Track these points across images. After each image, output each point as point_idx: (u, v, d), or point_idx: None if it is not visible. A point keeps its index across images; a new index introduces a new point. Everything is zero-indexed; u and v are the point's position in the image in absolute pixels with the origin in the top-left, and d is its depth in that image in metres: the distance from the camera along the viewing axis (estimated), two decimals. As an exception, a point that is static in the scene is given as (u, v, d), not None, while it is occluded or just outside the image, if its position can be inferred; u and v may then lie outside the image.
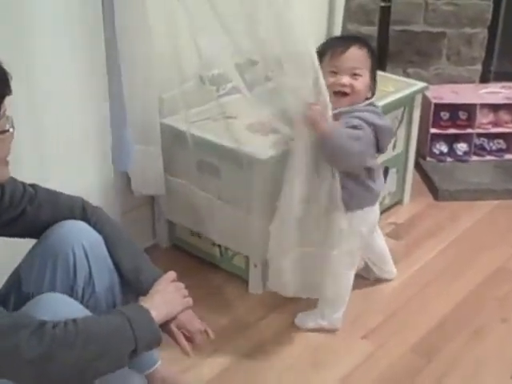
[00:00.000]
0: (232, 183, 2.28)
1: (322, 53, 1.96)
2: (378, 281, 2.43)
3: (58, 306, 1.47)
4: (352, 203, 2.03)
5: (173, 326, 1.60)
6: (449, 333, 2.21)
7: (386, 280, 2.44)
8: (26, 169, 1.83)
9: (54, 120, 2.03)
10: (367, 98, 2.03)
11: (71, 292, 1.59)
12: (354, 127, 1.92)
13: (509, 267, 2.56)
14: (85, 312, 1.50)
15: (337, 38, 2.10)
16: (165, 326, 1.58)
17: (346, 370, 2.06)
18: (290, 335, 2.20)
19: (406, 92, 2.68)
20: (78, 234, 1.62)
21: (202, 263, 2.52)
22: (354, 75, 1.96)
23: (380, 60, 3.04)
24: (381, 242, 2.39)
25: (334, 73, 1.97)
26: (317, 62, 1.87)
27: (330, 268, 2.09)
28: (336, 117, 1.95)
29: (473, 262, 2.58)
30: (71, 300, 1.52)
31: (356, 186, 2.03)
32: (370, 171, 2.04)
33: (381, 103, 2.53)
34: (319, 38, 3.04)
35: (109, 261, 1.64)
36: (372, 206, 2.11)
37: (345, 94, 1.97)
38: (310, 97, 1.91)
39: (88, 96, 2.13)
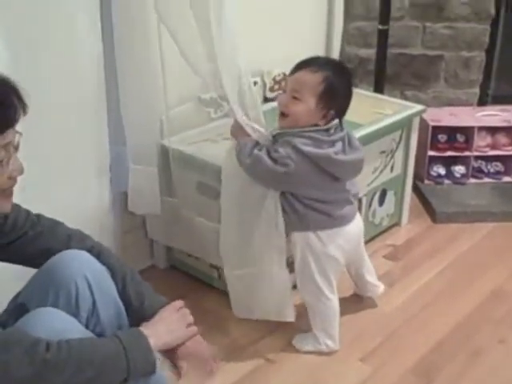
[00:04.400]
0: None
1: None
2: (376, 303, 2.42)
3: (54, 322, 1.46)
4: (307, 223, 2.03)
5: (179, 354, 1.60)
6: (447, 354, 2.20)
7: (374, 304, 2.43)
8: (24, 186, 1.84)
9: (52, 138, 2.04)
10: (314, 125, 1.98)
11: None
12: (275, 150, 1.95)
13: (506, 289, 2.55)
14: (80, 329, 1.49)
15: (309, 59, 2.02)
16: (171, 352, 1.58)
17: (344, 392, 2.05)
18: (288, 357, 2.19)
19: (404, 114, 2.69)
20: (80, 265, 1.60)
21: (200, 284, 2.51)
22: (294, 98, 1.96)
23: (378, 82, 3.07)
24: (366, 264, 2.34)
25: (284, 92, 2.02)
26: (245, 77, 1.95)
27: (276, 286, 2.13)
28: (276, 138, 2.00)
29: (470, 283, 2.58)
30: (68, 316, 1.51)
31: (302, 206, 2.02)
32: (325, 200, 2.02)
33: (378, 126, 2.56)
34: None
35: (113, 291, 1.63)
36: (337, 228, 2.07)
37: (284, 115, 1.99)
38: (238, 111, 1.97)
39: (87, 115, 2.15)
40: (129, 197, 2.38)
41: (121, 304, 1.64)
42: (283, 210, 2.04)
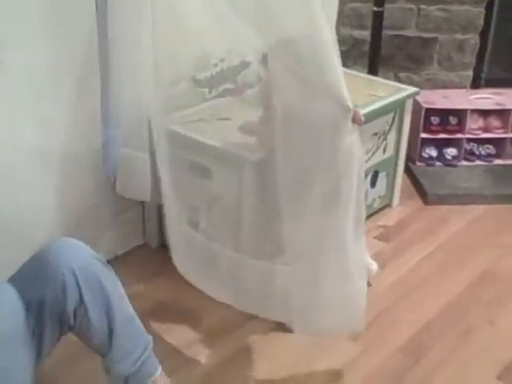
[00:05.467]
0: (223, 184, 2.29)
1: None
2: (369, 282, 2.45)
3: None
4: None
5: None
6: (436, 334, 2.24)
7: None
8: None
9: (46, 119, 2.05)
10: None
11: (62, 313, 1.59)
12: None
13: (496, 270, 2.58)
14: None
15: None
16: None
17: (335, 370, 2.07)
18: (278, 337, 2.21)
19: (397, 97, 2.71)
20: (68, 256, 1.61)
21: None
22: None
23: (372, 64, 3.08)
24: None
25: None
26: None
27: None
28: None
29: (461, 265, 2.61)
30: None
31: None
32: None
33: (372, 107, 2.57)
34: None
35: (101, 283, 1.63)
36: None
37: None
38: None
39: (81, 94, 2.17)
40: (117, 179, 2.38)
41: (112, 301, 1.65)
42: None
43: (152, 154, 2.32)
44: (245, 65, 2.54)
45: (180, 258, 2.27)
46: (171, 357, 2.08)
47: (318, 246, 1.83)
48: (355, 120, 1.70)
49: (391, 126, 2.76)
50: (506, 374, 2.08)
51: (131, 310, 1.74)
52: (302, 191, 1.80)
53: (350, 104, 1.69)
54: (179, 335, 2.20)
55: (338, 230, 1.78)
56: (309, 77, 1.72)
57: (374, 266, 2.43)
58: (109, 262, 2.39)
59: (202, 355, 2.12)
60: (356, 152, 1.72)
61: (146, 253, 2.58)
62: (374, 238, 2.73)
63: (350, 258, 1.82)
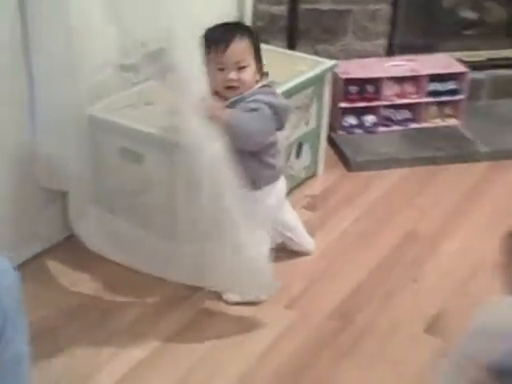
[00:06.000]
0: (156, 169, 2.35)
1: (205, 46, 2.08)
2: (298, 252, 2.57)
3: None
4: (260, 182, 2.17)
5: None
6: (365, 296, 2.38)
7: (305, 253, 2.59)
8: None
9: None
10: (257, 81, 2.14)
11: None
12: (252, 110, 2.05)
13: (417, 231, 2.74)
14: None
15: (216, 30, 2.13)
16: None
17: (272, 338, 2.19)
18: (218, 310, 2.31)
19: (317, 70, 2.82)
20: None
21: None
22: (240, 68, 2.08)
23: (291, 38, 3.17)
24: (292, 216, 2.51)
25: (221, 69, 2.08)
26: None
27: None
28: (232, 105, 2.08)
29: (385, 228, 2.76)
30: None
31: (260, 165, 2.16)
32: (270, 148, 2.17)
33: (293, 82, 2.68)
34: (231, 18, 3.15)
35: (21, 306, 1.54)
36: (277, 181, 2.24)
37: (235, 88, 2.09)
38: (202, 89, 2.03)
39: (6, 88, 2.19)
40: (40, 171, 2.41)
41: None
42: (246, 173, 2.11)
43: (76, 144, 2.39)
44: (164, 49, 2.59)
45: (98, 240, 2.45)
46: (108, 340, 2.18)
47: (218, 224, 2.10)
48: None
49: (312, 98, 2.87)
50: (432, 328, 2.24)
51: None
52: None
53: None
54: (129, 314, 2.28)
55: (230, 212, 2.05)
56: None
57: (312, 245, 2.58)
58: (39, 254, 2.49)
59: (143, 336, 2.20)
60: None
61: (75, 243, 2.56)
62: (302, 207, 2.85)
63: (242, 232, 2.09)
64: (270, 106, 2.07)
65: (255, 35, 2.16)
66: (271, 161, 2.19)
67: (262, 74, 2.17)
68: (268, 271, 2.22)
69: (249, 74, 2.10)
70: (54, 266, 2.48)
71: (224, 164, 2.02)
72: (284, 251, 2.53)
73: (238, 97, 2.10)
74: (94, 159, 2.45)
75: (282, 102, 2.15)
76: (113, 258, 2.47)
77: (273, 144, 2.18)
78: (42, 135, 2.36)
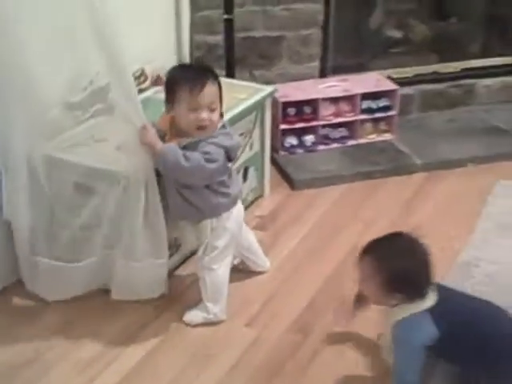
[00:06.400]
0: (109, 202, 2.40)
1: (175, 86, 2.18)
2: (254, 271, 2.68)
3: None
4: (212, 211, 2.31)
5: None
6: (319, 308, 2.50)
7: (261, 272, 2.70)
8: None
9: None
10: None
11: None
12: (206, 153, 2.17)
13: (361, 245, 2.84)
14: None
15: (188, 71, 2.25)
16: None
17: (235, 357, 2.29)
18: (178, 334, 2.40)
19: (258, 97, 2.94)
20: None
21: None
22: (211, 110, 2.19)
23: (229, 67, 3.29)
24: (250, 237, 2.63)
25: (194, 110, 2.17)
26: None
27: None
28: (195, 145, 2.19)
29: (332, 242, 2.90)
30: None
31: (212, 195, 2.28)
32: (224, 181, 2.30)
33: (236, 110, 2.79)
34: (169, 50, 3.28)
35: None
36: (234, 206, 2.36)
37: (205, 127, 2.20)
38: (139, 119, 2.17)
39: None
40: (3, 204, 2.46)
41: None
42: (195, 205, 2.27)
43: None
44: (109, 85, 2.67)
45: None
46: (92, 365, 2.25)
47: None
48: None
49: (255, 124, 3.00)
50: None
51: None
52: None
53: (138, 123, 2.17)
54: (92, 346, 2.35)
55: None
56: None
57: (267, 263, 2.71)
58: (5, 289, 2.53)
59: (109, 366, 2.27)
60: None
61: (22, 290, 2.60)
62: (253, 228, 2.94)
63: (138, 245, 2.35)
64: (226, 149, 2.21)
65: (219, 81, 2.26)
66: (225, 190, 2.30)
67: (222, 116, 2.28)
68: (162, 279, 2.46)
69: (217, 115, 2.21)
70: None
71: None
72: (240, 272, 2.64)
73: (203, 137, 2.20)
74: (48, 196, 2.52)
75: (234, 142, 2.28)
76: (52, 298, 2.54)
77: (224, 179, 2.30)
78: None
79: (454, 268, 2.69)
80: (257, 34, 3.48)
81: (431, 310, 1.97)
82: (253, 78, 3.48)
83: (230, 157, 2.26)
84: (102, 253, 2.43)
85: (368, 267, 2.02)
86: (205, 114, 2.17)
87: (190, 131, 2.20)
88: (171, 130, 2.25)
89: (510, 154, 3.58)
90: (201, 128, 2.19)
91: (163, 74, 3.06)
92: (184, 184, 2.26)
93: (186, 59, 3.34)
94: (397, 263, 1.96)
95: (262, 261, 2.70)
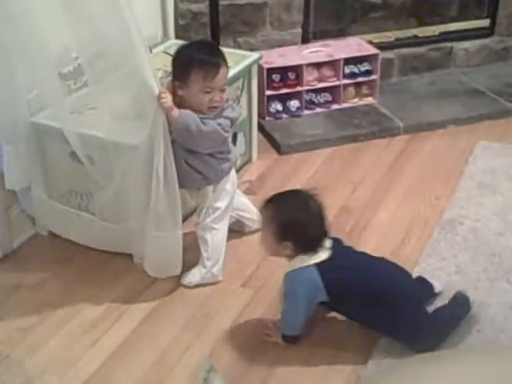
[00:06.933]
0: (105, 170, 2.46)
1: (189, 68, 2.24)
2: (246, 233, 2.76)
3: None
4: (216, 177, 2.40)
5: None
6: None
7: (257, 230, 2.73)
8: None
9: None
10: None
11: None
12: (219, 124, 2.27)
13: (350, 204, 2.98)
14: None
15: (202, 52, 2.29)
16: None
17: (233, 316, 2.37)
18: (178, 296, 2.47)
19: (244, 64, 3.00)
20: None
21: (81, 246, 2.69)
22: (222, 90, 2.27)
23: (213, 34, 3.33)
24: (242, 198, 2.72)
25: (207, 92, 2.24)
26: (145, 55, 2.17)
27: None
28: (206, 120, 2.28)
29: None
30: None
31: (216, 161, 2.37)
32: (229, 150, 2.43)
33: (224, 77, 2.84)
34: (154, 19, 3.30)
35: None
36: (231, 171, 2.47)
37: (216, 108, 2.28)
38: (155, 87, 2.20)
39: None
40: (5, 175, 2.53)
41: None
42: (199, 171, 2.35)
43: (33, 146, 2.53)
44: (101, 54, 2.70)
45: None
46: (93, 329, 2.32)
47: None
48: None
49: (242, 90, 3.05)
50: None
51: None
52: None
53: (156, 89, 2.19)
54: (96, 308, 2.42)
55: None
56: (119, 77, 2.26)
57: None
58: (6, 256, 2.60)
59: (113, 325, 2.35)
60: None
61: (40, 242, 2.73)
62: (243, 192, 3.02)
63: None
64: (231, 120, 2.32)
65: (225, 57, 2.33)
66: (226, 156, 2.41)
67: None
68: (179, 254, 2.47)
69: (226, 93, 2.31)
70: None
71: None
72: (234, 233, 2.70)
73: (209, 116, 2.28)
74: (45, 163, 2.58)
75: (237, 113, 2.38)
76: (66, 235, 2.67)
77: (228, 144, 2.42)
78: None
79: (440, 225, 2.79)
80: (240, 1, 3.51)
81: (320, 265, 2.13)
82: (237, 45, 3.53)
83: (232, 124, 2.36)
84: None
85: (265, 217, 2.19)
86: (217, 97, 2.27)
87: (201, 110, 2.27)
88: (174, 100, 2.29)
89: (488, 115, 3.68)
90: (213, 108, 2.28)
91: (150, 44, 3.13)
92: (190, 152, 2.32)
93: (171, 28, 3.37)
94: (289, 213, 2.15)
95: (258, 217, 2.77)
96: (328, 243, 2.17)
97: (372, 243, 2.72)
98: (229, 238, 2.56)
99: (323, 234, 2.17)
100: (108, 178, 2.45)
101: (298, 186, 3.07)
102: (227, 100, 2.36)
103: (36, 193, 2.64)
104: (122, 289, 2.50)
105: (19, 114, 2.49)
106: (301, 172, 3.24)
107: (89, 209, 2.60)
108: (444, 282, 2.45)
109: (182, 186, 2.40)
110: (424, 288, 2.36)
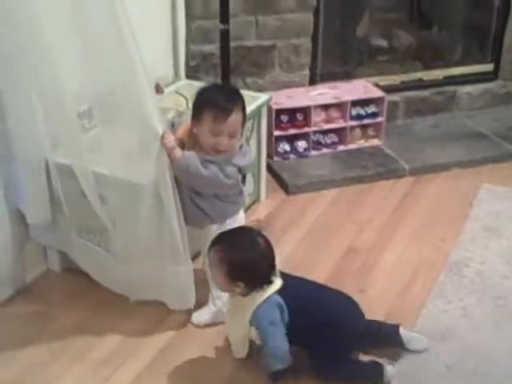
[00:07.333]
0: (120, 208, 2.50)
1: (202, 108, 2.29)
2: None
3: None
4: (219, 217, 2.43)
5: None
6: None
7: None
8: None
9: None
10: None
11: None
12: (222, 170, 2.31)
13: (357, 245, 3.02)
14: None
15: (217, 96, 2.32)
16: None
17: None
18: (192, 330, 2.51)
19: (255, 105, 3.05)
20: None
21: (93, 282, 2.68)
22: (231, 137, 2.30)
23: (224, 75, 3.39)
24: None
25: (215, 134, 2.28)
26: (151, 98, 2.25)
27: None
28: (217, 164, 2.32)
29: (327, 244, 3.02)
30: None
31: (221, 203, 2.41)
32: (238, 191, 2.48)
33: (235, 118, 2.90)
34: (167, 59, 3.38)
35: None
36: (239, 211, 2.51)
37: (222, 152, 2.31)
38: (159, 126, 2.26)
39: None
40: (27, 210, 2.58)
41: None
42: (203, 210, 2.39)
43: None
44: (109, 94, 2.76)
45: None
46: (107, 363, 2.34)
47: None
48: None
49: (252, 131, 3.11)
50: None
51: None
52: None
53: (160, 129, 2.26)
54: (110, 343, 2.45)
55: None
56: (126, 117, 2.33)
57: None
58: (19, 292, 2.63)
59: (124, 365, 2.37)
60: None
61: (51, 278, 2.77)
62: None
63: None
64: (240, 168, 2.37)
65: (245, 106, 2.37)
66: (234, 199, 2.45)
67: (241, 135, 2.39)
68: (192, 287, 2.51)
69: (235, 142, 2.32)
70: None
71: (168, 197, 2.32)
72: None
73: (222, 158, 2.31)
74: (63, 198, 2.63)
75: (247, 161, 2.41)
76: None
77: (236, 187, 2.46)
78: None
79: (447, 267, 2.82)
80: (249, 43, 3.59)
81: (278, 292, 2.21)
82: (246, 86, 3.59)
83: (242, 171, 2.42)
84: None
85: (213, 258, 2.23)
86: (224, 141, 2.29)
87: (208, 151, 2.31)
88: (189, 140, 2.35)
89: (491, 158, 3.74)
90: (218, 152, 2.31)
91: (161, 83, 3.21)
92: (195, 191, 2.37)
93: (182, 68, 3.44)
94: (237, 255, 2.18)
95: None
96: (277, 271, 2.25)
97: (379, 284, 2.76)
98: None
99: (273, 267, 2.23)
100: (120, 215, 2.49)
101: (305, 226, 3.15)
102: (241, 147, 2.39)
103: (56, 226, 2.68)
104: (135, 324, 2.53)
105: (38, 150, 2.53)
106: (308, 212, 3.28)
107: (101, 245, 2.63)
108: (451, 324, 2.49)
109: (186, 222, 2.45)
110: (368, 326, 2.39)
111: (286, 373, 2.26)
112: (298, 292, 2.27)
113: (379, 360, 2.33)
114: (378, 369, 2.29)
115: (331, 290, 2.37)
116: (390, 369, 2.29)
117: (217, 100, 2.29)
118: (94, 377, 2.30)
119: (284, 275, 2.27)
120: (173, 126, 2.50)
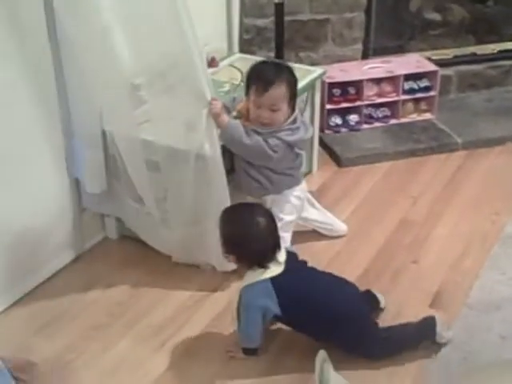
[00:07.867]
0: (176, 178, 2.55)
1: (249, 81, 2.39)
2: (310, 239, 2.84)
3: None
4: (275, 188, 2.50)
5: None
6: (373, 278, 2.65)
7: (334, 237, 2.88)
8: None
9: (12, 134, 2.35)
10: (286, 119, 2.42)
11: None
12: (267, 142, 2.36)
13: (410, 217, 3.04)
14: None
15: (260, 71, 2.41)
16: None
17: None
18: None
19: (309, 78, 3.08)
20: None
21: (150, 249, 2.76)
22: (273, 110, 2.35)
23: (278, 49, 3.42)
24: (317, 208, 2.83)
25: (258, 107, 2.35)
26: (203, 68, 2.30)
27: None
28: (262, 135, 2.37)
29: (380, 216, 3.04)
30: None
31: (275, 175, 2.47)
32: (293, 164, 2.52)
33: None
34: (221, 33, 3.41)
35: None
36: (297, 185, 2.56)
37: (265, 124, 2.38)
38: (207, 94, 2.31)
39: (40, 112, 2.45)
40: (86, 180, 2.65)
41: None
42: (258, 180, 2.44)
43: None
44: (172, 65, 2.81)
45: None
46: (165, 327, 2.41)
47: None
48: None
49: (306, 104, 3.13)
50: (435, 303, 2.52)
51: None
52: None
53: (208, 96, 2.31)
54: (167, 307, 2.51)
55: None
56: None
57: (344, 226, 2.90)
58: (78, 258, 2.71)
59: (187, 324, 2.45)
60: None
61: (108, 245, 2.85)
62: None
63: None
64: (288, 143, 2.40)
65: (293, 82, 2.42)
66: (288, 172, 2.51)
67: (293, 110, 2.44)
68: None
69: (279, 115, 2.38)
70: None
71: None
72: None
73: (267, 130, 2.38)
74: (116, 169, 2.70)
75: (297, 137, 2.43)
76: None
77: (293, 165, 2.53)
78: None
79: (501, 239, 2.82)
80: (303, 17, 3.60)
81: (274, 279, 2.18)
82: (298, 60, 3.61)
83: (295, 148, 2.44)
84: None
85: (219, 226, 2.24)
86: (265, 114, 2.36)
87: (254, 123, 2.38)
88: (245, 114, 2.40)
89: (545, 132, 3.70)
90: (263, 124, 2.37)
91: (217, 56, 3.24)
92: (248, 162, 2.42)
93: (236, 42, 3.48)
94: (231, 228, 2.19)
95: (339, 225, 2.88)
96: (281, 257, 2.22)
97: (432, 256, 2.78)
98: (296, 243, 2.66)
99: (271, 249, 2.19)
100: (172, 182, 2.55)
101: (358, 198, 3.17)
102: (294, 121, 2.42)
103: (112, 194, 2.75)
104: (190, 291, 2.59)
105: (95, 122, 2.60)
106: (360, 185, 3.30)
107: (159, 213, 2.68)
108: (506, 295, 2.49)
109: (244, 192, 2.50)
110: (369, 302, 2.41)
111: (254, 351, 2.29)
112: (296, 282, 2.22)
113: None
114: (428, 324, 2.29)
115: (335, 279, 2.33)
116: (439, 320, 2.29)
117: (259, 73, 2.38)
118: (150, 342, 2.37)
119: (290, 257, 2.25)
120: (234, 100, 2.56)
